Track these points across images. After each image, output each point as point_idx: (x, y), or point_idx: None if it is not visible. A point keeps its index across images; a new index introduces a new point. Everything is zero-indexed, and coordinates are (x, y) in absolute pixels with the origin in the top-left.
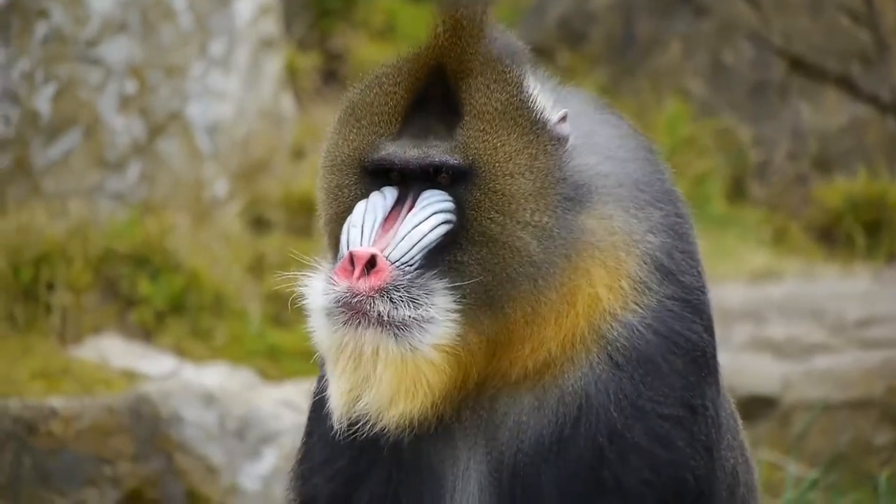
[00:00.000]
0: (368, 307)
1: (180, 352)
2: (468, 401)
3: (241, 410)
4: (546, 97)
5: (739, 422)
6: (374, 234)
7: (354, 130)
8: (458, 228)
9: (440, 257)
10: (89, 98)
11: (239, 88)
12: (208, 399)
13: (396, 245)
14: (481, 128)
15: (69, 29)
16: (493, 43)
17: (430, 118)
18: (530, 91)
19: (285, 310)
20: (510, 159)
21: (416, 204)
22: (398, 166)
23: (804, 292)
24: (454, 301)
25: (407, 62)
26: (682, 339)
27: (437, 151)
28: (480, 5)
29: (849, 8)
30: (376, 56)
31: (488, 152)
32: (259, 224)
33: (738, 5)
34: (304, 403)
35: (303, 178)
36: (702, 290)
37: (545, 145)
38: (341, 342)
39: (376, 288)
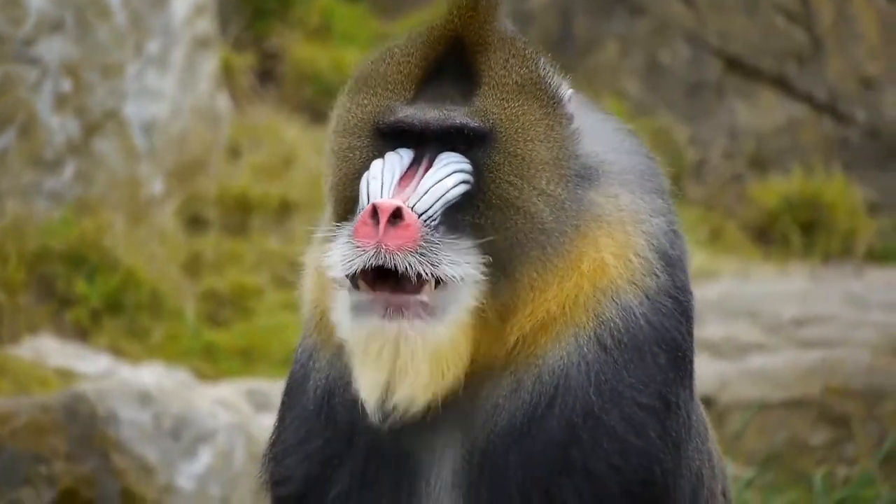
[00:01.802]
0: (401, 265)
1: (116, 351)
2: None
3: (177, 409)
4: (560, 78)
5: (710, 431)
6: (393, 189)
7: (367, 97)
8: (475, 191)
9: (457, 217)
10: (25, 97)
11: (175, 88)
12: (144, 398)
13: (420, 197)
14: (501, 97)
15: (5, 28)
16: (505, 23)
17: (446, 86)
18: (546, 69)
19: (221, 308)
20: (531, 126)
21: (434, 164)
22: (418, 127)
23: (740, 292)
24: (477, 261)
25: (420, 35)
26: (668, 337)
27: (458, 114)
28: None
29: (785, 8)
30: (312, 55)
31: (509, 118)
32: (195, 222)
33: (675, 5)
34: (240, 402)
35: (238, 177)
36: (690, 293)
37: (560, 119)
38: (374, 333)
39: (406, 246)
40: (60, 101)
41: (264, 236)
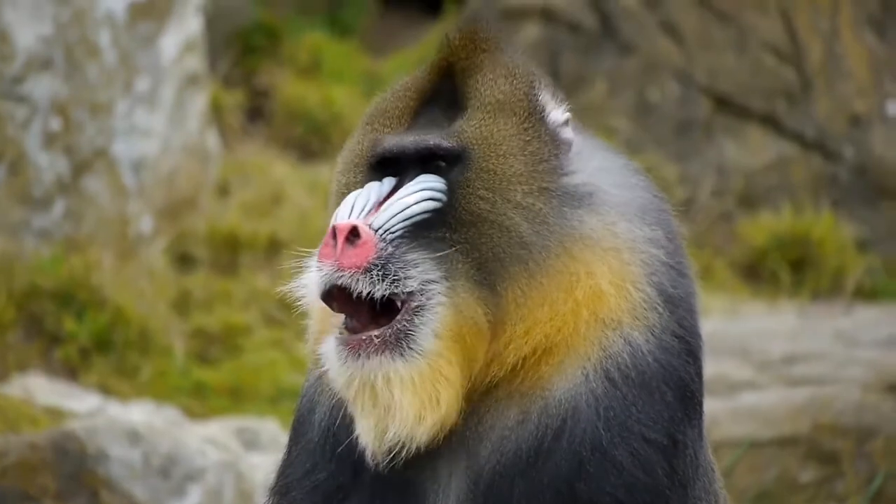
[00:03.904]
0: (354, 285)
1: (105, 389)
2: (463, 410)
3: (167, 448)
4: (553, 101)
5: (717, 474)
6: (363, 213)
7: (368, 134)
8: (448, 209)
9: (429, 235)
10: (14, 135)
11: (164, 125)
12: (133, 436)
13: (379, 215)
14: (481, 117)
15: None
16: (507, 50)
17: (436, 114)
18: (535, 88)
19: (210, 346)
20: (503, 141)
21: (406, 186)
22: (395, 153)
23: (730, 329)
24: (438, 272)
25: (421, 69)
26: (676, 375)
27: (433, 137)
28: (495, 23)
29: (773, 46)
30: (301, 93)
31: (483, 135)
32: (184, 261)
33: (663, 43)
34: (229, 441)
35: (228, 215)
36: (699, 336)
37: (540, 134)
38: (352, 378)
39: (361, 265)
40: (49, 139)
41: (253, 274)
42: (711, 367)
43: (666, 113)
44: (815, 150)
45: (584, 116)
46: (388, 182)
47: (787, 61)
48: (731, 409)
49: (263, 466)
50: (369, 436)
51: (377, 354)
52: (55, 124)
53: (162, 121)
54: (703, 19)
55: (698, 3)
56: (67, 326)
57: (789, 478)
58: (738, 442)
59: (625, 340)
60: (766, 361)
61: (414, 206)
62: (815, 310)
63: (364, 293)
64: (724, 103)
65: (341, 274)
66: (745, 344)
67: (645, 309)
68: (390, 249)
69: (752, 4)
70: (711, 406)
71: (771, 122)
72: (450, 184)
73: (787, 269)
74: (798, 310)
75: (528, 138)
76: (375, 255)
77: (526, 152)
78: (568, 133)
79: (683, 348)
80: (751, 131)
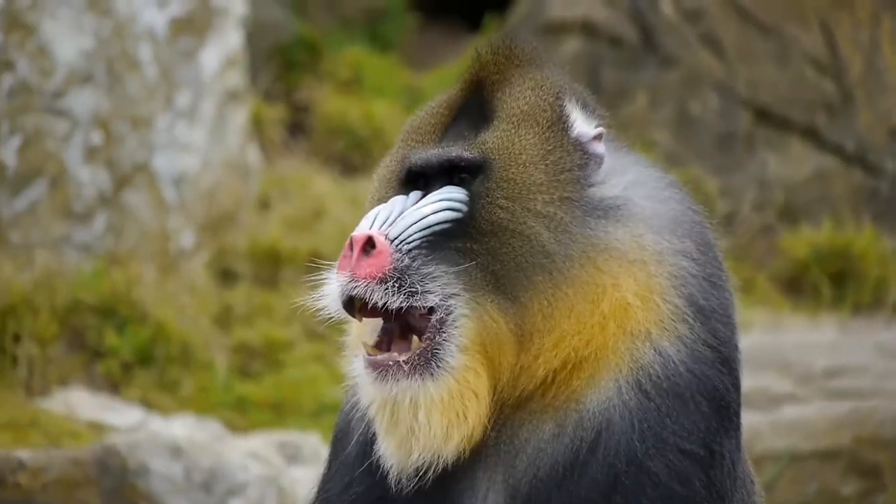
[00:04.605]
0: (371, 296)
1: (147, 403)
2: (496, 423)
3: (209, 462)
4: (582, 114)
5: (757, 486)
6: (384, 225)
7: (402, 150)
8: (468, 219)
9: (449, 246)
10: (55, 149)
11: (205, 140)
12: (175, 451)
13: (395, 225)
14: (504, 127)
15: (35, 80)
16: (539, 64)
17: (463, 127)
18: (561, 99)
19: (252, 361)
20: (523, 151)
21: (426, 197)
22: (420, 166)
23: (771, 343)
24: (459, 285)
25: (454, 85)
26: (710, 385)
27: (456, 148)
28: (528, 38)
29: (814, 59)
30: (342, 108)
31: (504, 145)
32: (225, 275)
33: (704, 56)
34: (271, 455)
35: (269, 230)
36: (734, 347)
37: (564, 144)
38: (376, 398)
39: (376, 274)
40: (90, 154)
41: (294, 289)
42: (752, 381)
43: (707, 126)
44: (856, 164)
45: (625, 130)
46: (414, 196)
47: (828, 74)
48: (773, 423)
49: (305, 481)
50: (395, 457)
51: (406, 378)
52: (96, 138)
53: (203, 135)
54: (744, 32)
55: (739, 16)
56: (109, 341)
57: (831, 491)
58: (780, 455)
59: (655, 351)
60: (808, 375)
61: (431, 217)
62: (857, 323)
63: (380, 304)
64: (765, 116)
65: (356, 284)
66: (786, 357)
67: (674, 320)
68: (407, 261)
69: (793, 17)
70: (753, 419)
71: (812, 135)
72: (472, 195)
73: (829, 283)
74: (839, 323)
75: (549, 147)
76: (391, 266)
77: (547, 161)
78: (597, 146)
79: (717, 358)
80: (792, 144)
